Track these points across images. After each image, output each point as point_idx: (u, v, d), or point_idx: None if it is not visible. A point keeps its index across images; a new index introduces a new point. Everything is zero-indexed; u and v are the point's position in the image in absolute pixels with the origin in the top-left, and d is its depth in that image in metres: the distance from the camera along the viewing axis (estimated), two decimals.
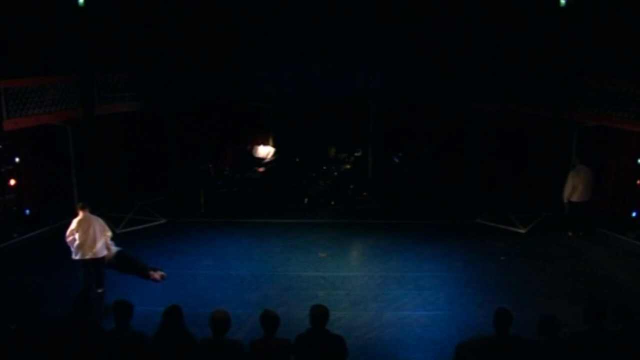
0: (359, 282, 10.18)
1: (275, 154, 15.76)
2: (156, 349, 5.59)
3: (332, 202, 14.90)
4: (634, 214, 12.12)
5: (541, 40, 14.12)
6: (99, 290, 9.53)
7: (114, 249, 10.19)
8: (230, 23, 15.87)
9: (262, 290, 9.78)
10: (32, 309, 5.76)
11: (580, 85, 12.93)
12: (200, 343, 5.63)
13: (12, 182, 12.08)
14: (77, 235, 9.23)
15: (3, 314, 7.65)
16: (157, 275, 10.10)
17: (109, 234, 9.71)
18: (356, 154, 15.34)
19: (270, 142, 16.29)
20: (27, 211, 12.68)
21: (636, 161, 12.13)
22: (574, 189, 12.28)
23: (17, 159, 12.15)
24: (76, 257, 9.30)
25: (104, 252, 9.55)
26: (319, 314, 5.69)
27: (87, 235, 9.25)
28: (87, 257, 9.28)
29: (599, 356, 5.50)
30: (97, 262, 9.45)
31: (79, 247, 9.24)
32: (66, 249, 9.43)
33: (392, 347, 7.99)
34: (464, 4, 15.45)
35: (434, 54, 15.75)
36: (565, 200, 12.48)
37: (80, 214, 9.35)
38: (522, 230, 12.96)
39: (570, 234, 12.58)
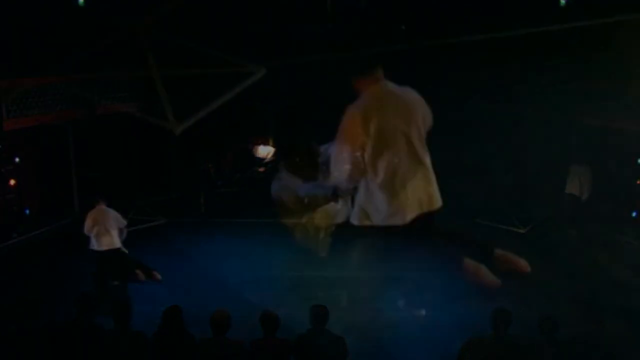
0: (359, 282, 10.15)
1: (275, 154, 15.74)
2: (156, 349, 5.60)
3: None
4: (634, 214, 12.11)
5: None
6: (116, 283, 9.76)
7: None
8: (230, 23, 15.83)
9: (262, 291, 9.76)
10: (32, 309, 5.77)
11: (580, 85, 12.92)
12: (200, 343, 5.64)
13: (12, 182, 12.08)
14: (92, 228, 9.59)
15: (3, 314, 7.66)
16: (157, 275, 10.10)
17: (124, 221, 10.05)
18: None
19: (270, 142, 16.27)
20: (27, 211, 12.68)
21: (636, 161, 12.12)
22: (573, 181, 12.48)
23: (17, 159, 12.15)
24: (93, 247, 9.62)
25: (119, 244, 9.80)
26: (319, 314, 5.70)
27: (100, 227, 9.59)
28: (102, 248, 9.58)
29: (599, 356, 5.50)
30: (113, 253, 9.69)
31: (94, 238, 9.61)
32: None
33: (391, 347, 7.98)
34: (463, 3, 15.42)
35: (433, 53, 15.70)
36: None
37: (94, 208, 9.77)
38: (522, 230, 12.95)
39: (574, 232, 12.61)
